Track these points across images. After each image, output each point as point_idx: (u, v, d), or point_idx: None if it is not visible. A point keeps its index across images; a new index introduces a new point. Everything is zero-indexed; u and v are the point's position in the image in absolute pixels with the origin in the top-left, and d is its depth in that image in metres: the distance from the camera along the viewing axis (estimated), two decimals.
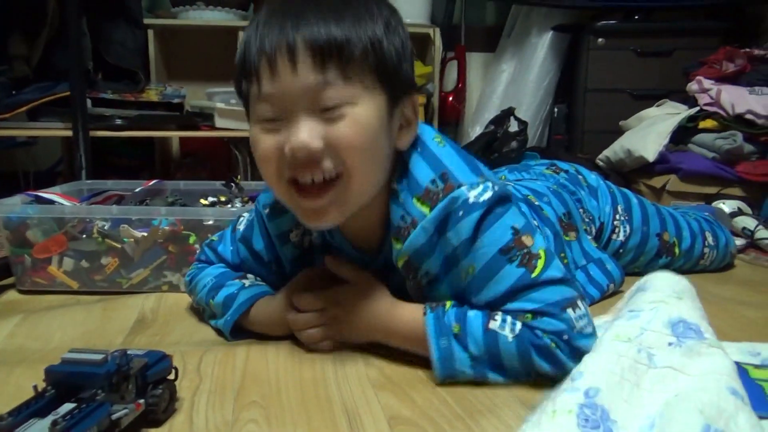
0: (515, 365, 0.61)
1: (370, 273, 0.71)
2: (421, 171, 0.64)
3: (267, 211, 0.76)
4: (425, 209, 0.63)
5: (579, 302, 0.61)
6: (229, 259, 0.81)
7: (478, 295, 0.63)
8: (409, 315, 0.66)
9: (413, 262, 0.66)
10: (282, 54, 0.57)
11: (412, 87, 0.65)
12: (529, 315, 0.60)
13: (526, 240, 0.63)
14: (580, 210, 0.95)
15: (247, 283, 0.77)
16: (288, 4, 0.60)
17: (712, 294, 0.96)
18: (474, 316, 0.62)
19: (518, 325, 0.60)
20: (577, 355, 0.57)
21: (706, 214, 1.15)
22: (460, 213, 0.62)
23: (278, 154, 0.60)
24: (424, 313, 0.64)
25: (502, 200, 0.63)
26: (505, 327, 0.60)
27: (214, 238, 0.84)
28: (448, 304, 0.65)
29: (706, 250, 1.06)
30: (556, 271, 0.62)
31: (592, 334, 0.60)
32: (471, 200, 0.62)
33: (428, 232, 0.63)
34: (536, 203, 0.87)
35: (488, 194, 0.62)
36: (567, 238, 0.89)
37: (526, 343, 0.59)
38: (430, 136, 0.68)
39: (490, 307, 0.63)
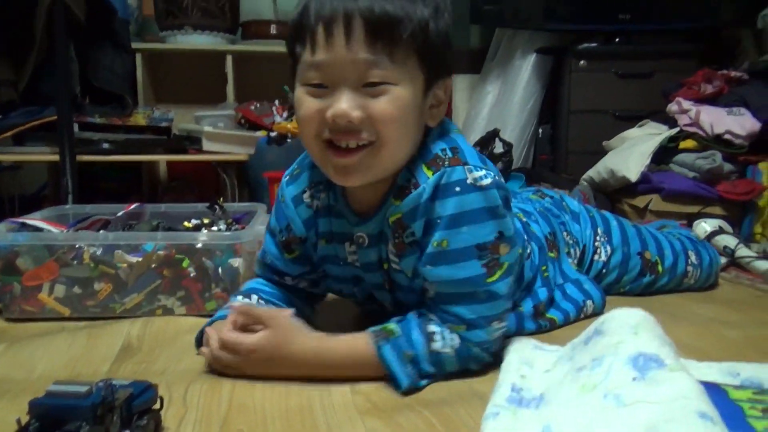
0: (455, 369, 0.70)
1: (285, 312, 0.71)
2: (435, 143, 0.70)
3: (287, 177, 0.80)
4: (429, 173, 0.68)
5: (504, 316, 0.72)
6: (260, 258, 0.84)
7: (435, 268, 0.68)
8: (348, 346, 0.69)
9: (404, 221, 0.70)
10: (338, 24, 0.62)
11: (448, 72, 0.71)
12: (464, 326, 0.68)
13: (503, 248, 0.69)
14: (565, 233, 0.98)
15: (237, 301, 0.79)
16: None
17: (695, 314, 0.98)
18: (416, 338, 0.68)
19: (455, 340, 0.68)
20: (495, 356, 0.72)
21: (692, 233, 1.18)
22: (457, 189, 0.66)
23: (319, 117, 0.65)
24: (377, 346, 0.67)
25: (506, 200, 0.70)
26: (446, 345, 0.68)
27: None
28: (394, 331, 0.68)
29: (690, 268, 1.08)
30: (503, 286, 0.70)
31: (500, 342, 0.73)
32: (469, 181, 0.67)
33: (427, 194, 0.67)
34: (524, 220, 0.91)
35: (488, 181, 0.67)
36: (551, 255, 0.92)
37: (463, 355, 0.69)
38: (453, 126, 0.74)
39: (436, 293, 0.69)
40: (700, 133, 1.67)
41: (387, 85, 0.64)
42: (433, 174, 0.67)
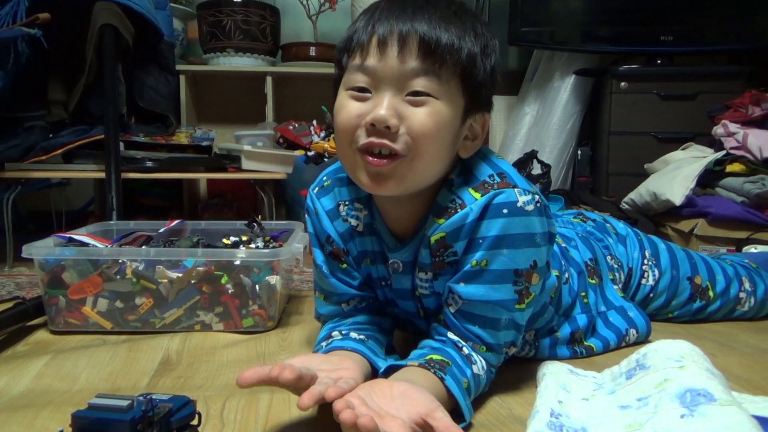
0: (479, 393, 0.69)
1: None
2: (481, 169, 0.70)
3: (317, 190, 0.80)
4: (477, 196, 0.67)
5: (517, 342, 0.72)
6: (317, 291, 0.82)
7: (469, 286, 0.68)
8: (429, 386, 0.62)
9: (447, 241, 0.69)
10: (393, 38, 0.63)
11: (487, 107, 0.71)
12: (484, 348, 0.69)
13: (534, 278, 0.69)
14: (608, 257, 0.96)
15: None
16: (406, 3, 0.65)
17: (748, 345, 0.94)
18: (464, 364, 0.67)
19: (483, 362, 0.69)
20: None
21: (747, 261, 1.13)
22: (504, 210, 0.66)
23: (357, 122, 0.65)
24: (441, 378, 0.63)
25: (551, 235, 0.70)
26: (480, 368, 0.68)
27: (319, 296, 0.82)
28: (446, 359, 0.66)
29: (743, 294, 1.04)
30: (525, 316, 0.71)
31: None
32: (519, 204, 0.66)
33: (474, 215, 0.67)
34: (563, 245, 0.89)
35: (531, 207, 0.67)
36: (591, 281, 0.89)
37: (489, 377, 0.70)
38: (492, 153, 0.74)
39: (460, 310, 0.69)
40: (748, 156, 1.62)
41: (429, 97, 0.64)
42: (481, 197, 0.67)
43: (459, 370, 0.65)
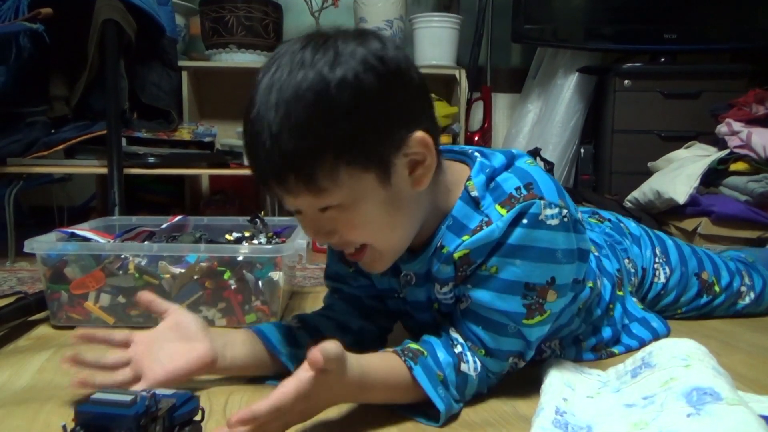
0: (471, 395, 0.68)
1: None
2: (509, 181, 0.66)
3: None
4: (503, 212, 0.64)
5: (526, 356, 0.69)
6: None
7: (476, 290, 0.66)
8: (385, 371, 0.62)
9: (471, 257, 0.66)
10: (272, 187, 0.61)
11: (400, 141, 0.60)
12: (483, 351, 0.67)
13: (550, 295, 0.66)
14: (626, 260, 0.95)
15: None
16: (254, 142, 0.60)
17: (750, 343, 0.94)
18: (444, 359, 0.65)
19: (478, 363, 0.67)
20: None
21: (743, 255, 1.14)
22: (525, 221, 0.63)
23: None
24: (409, 367, 0.62)
25: (582, 252, 0.69)
26: (470, 368, 0.66)
27: None
28: (421, 349, 0.65)
29: (743, 288, 1.05)
30: (537, 333, 0.68)
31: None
32: (541, 216, 0.63)
33: (500, 231, 0.64)
34: (596, 254, 0.87)
35: (555, 221, 0.64)
36: (619, 293, 0.89)
37: (482, 379, 0.68)
38: (523, 159, 0.70)
39: (468, 309, 0.67)
40: (752, 155, 1.62)
41: (337, 208, 0.60)
42: (507, 212, 0.64)
43: (435, 362, 0.64)
